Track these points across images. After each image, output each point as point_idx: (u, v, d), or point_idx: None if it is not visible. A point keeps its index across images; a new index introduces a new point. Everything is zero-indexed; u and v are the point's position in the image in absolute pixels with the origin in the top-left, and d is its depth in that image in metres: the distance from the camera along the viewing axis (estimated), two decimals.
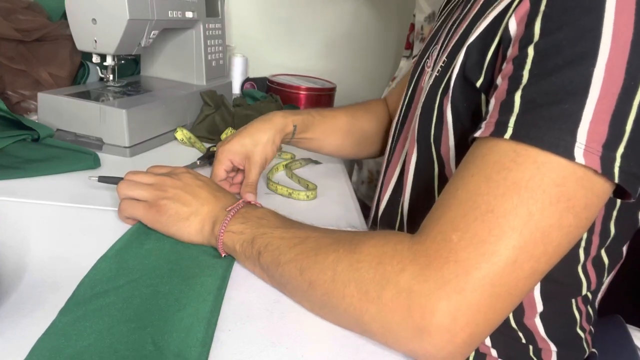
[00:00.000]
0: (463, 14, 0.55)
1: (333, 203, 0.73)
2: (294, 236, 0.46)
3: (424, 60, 0.64)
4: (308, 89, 1.27)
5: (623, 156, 0.36)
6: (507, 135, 0.37)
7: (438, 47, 0.60)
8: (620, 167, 0.36)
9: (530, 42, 0.39)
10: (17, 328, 0.39)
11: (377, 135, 0.84)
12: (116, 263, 0.48)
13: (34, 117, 0.84)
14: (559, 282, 0.53)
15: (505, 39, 0.43)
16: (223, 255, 0.51)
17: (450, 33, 0.56)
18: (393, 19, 1.55)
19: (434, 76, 0.55)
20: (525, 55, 0.39)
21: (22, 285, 0.44)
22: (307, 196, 0.72)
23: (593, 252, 0.53)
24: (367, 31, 1.56)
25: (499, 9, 0.46)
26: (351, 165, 1.45)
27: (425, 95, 0.56)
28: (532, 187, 0.35)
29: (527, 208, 0.35)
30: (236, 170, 0.71)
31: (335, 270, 0.41)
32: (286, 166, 0.83)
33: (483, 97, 0.47)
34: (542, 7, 0.38)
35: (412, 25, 1.38)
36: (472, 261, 0.36)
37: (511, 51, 0.41)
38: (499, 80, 0.42)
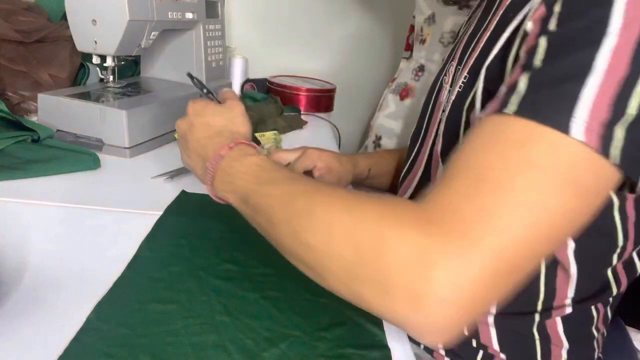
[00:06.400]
0: (481, 30, 0.55)
1: None
2: (285, 192, 0.45)
3: (441, 77, 0.65)
4: (308, 90, 1.27)
5: (626, 139, 0.35)
6: (517, 112, 0.37)
7: (455, 63, 0.60)
8: (623, 150, 0.35)
9: (545, 34, 0.39)
10: (18, 328, 0.39)
11: None
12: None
13: (34, 118, 0.84)
14: (590, 286, 0.52)
15: (523, 41, 0.43)
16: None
17: (470, 49, 0.56)
18: (392, 20, 1.55)
19: (455, 92, 0.55)
20: (538, 45, 0.39)
21: (23, 285, 0.44)
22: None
23: (625, 256, 0.52)
24: (367, 32, 1.56)
25: (516, 21, 0.46)
26: None
27: (448, 112, 0.56)
28: (545, 167, 0.35)
29: (539, 187, 0.34)
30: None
31: (331, 232, 0.38)
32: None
33: None
34: (557, 9, 0.39)
35: (412, 27, 1.38)
36: (478, 233, 0.34)
37: (525, 46, 0.41)
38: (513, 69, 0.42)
